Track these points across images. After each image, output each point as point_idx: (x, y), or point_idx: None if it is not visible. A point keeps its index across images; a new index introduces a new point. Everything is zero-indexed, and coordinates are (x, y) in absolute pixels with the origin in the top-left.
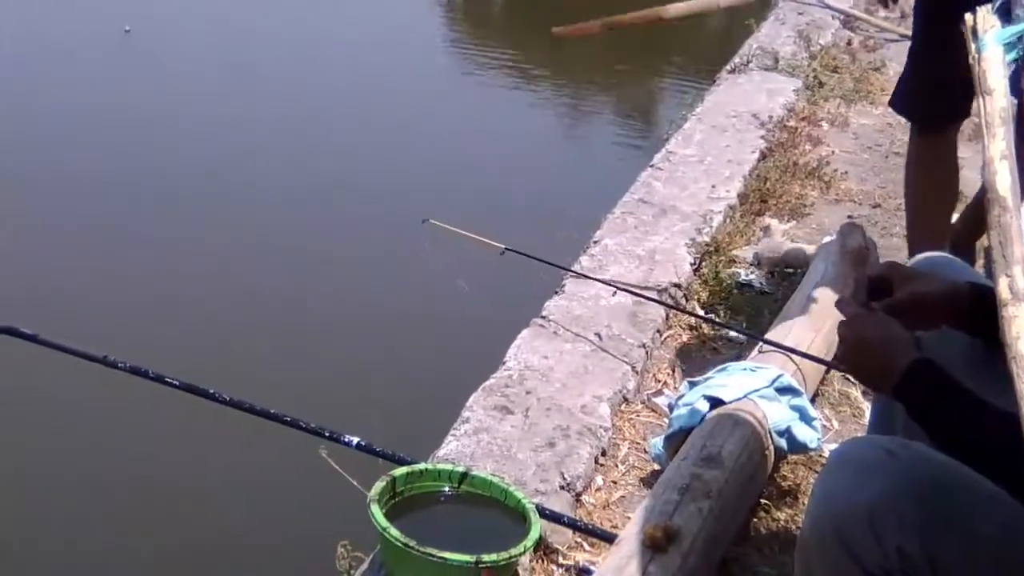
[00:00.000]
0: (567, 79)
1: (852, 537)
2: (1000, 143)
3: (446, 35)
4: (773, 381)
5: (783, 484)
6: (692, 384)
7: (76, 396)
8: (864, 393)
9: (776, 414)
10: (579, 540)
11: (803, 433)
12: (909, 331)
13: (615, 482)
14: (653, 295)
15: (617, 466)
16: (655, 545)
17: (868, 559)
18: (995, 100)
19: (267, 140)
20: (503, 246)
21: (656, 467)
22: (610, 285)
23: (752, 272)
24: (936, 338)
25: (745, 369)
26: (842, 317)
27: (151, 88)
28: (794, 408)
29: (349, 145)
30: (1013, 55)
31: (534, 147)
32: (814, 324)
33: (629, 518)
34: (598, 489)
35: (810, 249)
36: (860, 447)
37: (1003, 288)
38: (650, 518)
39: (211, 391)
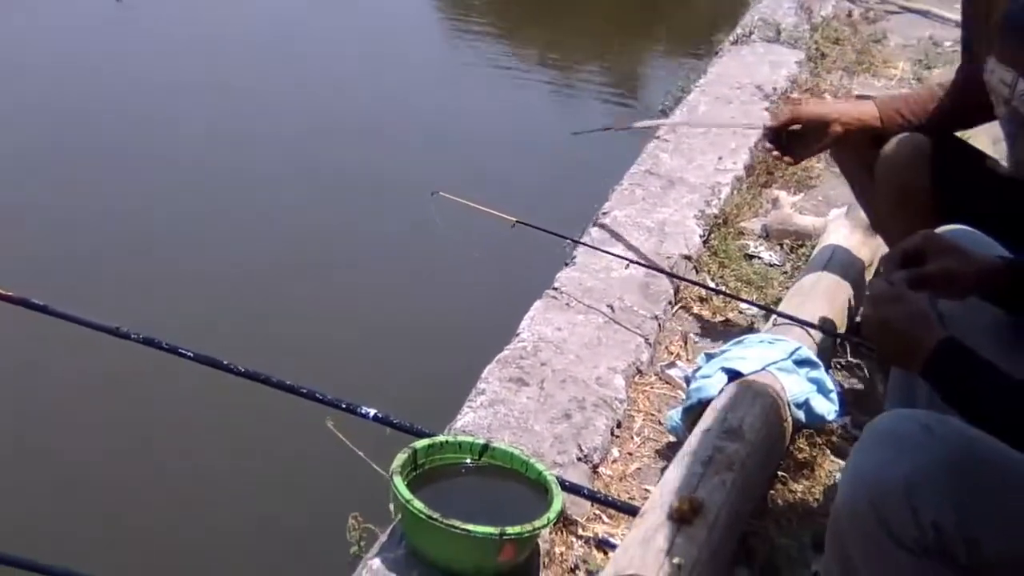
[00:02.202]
0: (560, 55)
1: (888, 511)
2: None
3: (434, 15)
4: (791, 353)
5: (799, 456)
6: (709, 356)
7: (89, 368)
8: (877, 365)
9: (794, 386)
10: (597, 512)
11: (821, 405)
12: (937, 299)
13: (631, 454)
14: (664, 267)
15: (632, 438)
16: (682, 517)
17: (904, 533)
18: None
19: (273, 114)
20: (514, 219)
21: (672, 439)
22: (622, 258)
23: (761, 244)
24: (962, 309)
25: (762, 341)
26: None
27: (146, 59)
28: (812, 380)
29: (356, 123)
30: None
31: (534, 123)
32: (828, 297)
33: (647, 490)
34: (614, 461)
35: (819, 222)
36: (896, 421)
37: None
38: (674, 490)
39: (225, 362)
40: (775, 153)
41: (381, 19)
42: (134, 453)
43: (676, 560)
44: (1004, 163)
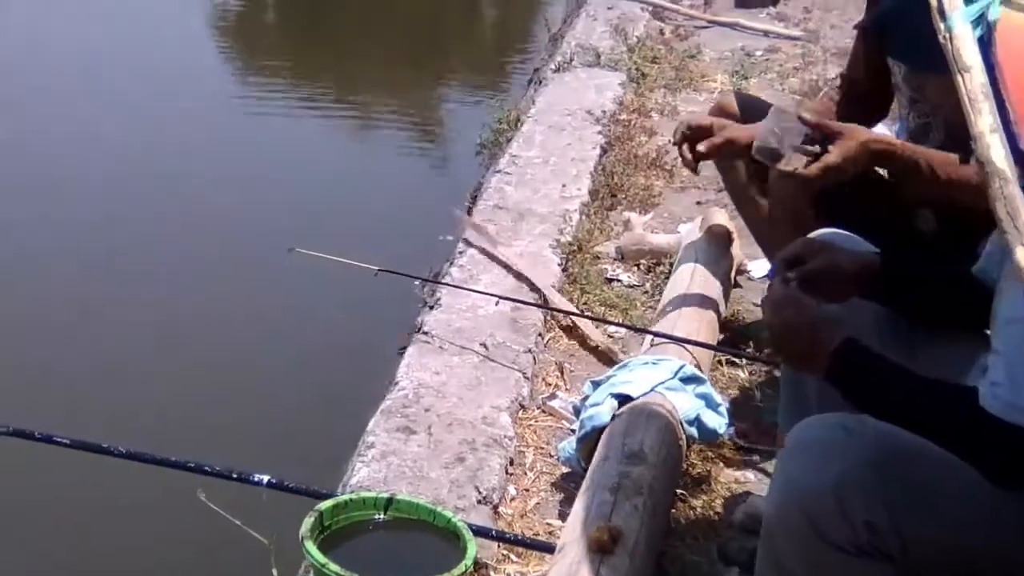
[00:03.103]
0: (365, 97)
1: (820, 516)
2: (987, 117)
3: (223, 60)
4: (676, 372)
5: (693, 472)
6: (596, 384)
7: None
8: (751, 375)
9: (684, 404)
10: (505, 552)
11: (711, 420)
12: (823, 303)
13: (527, 489)
14: (528, 299)
15: (526, 474)
16: (602, 548)
17: (838, 536)
18: (974, 76)
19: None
20: (376, 267)
21: (566, 470)
22: (490, 295)
23: (619, 267)
24: (844, 310)
25: (646, 363)
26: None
27: None
28: (699, 396)
29: (171, 189)
30: (979, 32)
31: (354, 164)
32: (697, 312)
33: (549, 524)
34: (512, 499)
35: (673, 239)
36: (815, 428)
37: (1021, 257)
38: (588, 521)
39: (105, 445)
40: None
41: (168, 64)
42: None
43: None
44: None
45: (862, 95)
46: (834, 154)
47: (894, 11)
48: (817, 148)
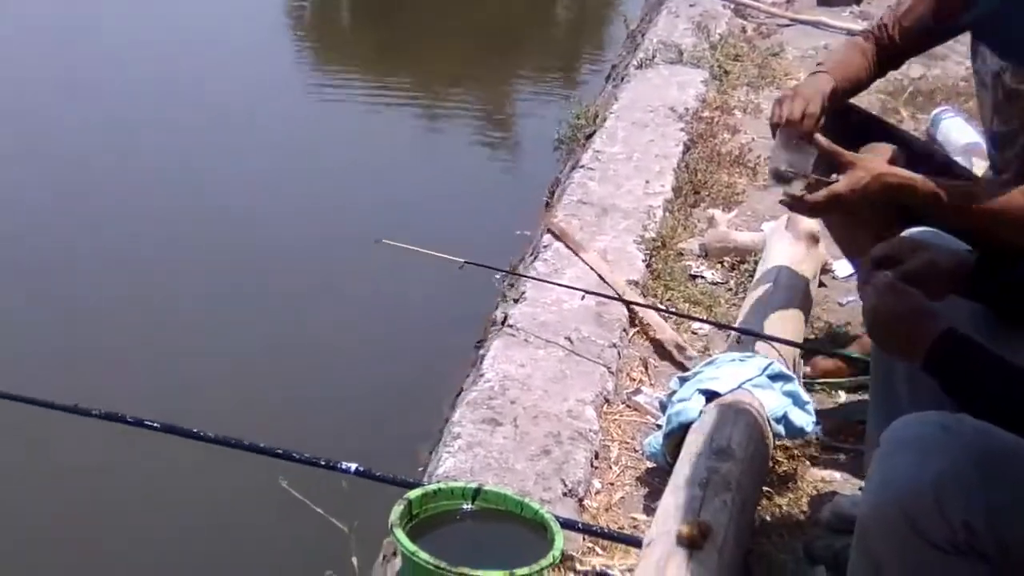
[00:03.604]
0: (441, 92)
1: (918, 515)
2: None
3: (301, 55)
4: (764, 369)
5: (779, 470)
6: (683, 380)
7: (46, 450)
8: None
9: (772, 401)
10: (590, 545)
11: (798, 418)
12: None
13: (612, 483)
14: (614, 295)
15: (611, 468)
16: (691, 543)
17: (935, 535)
18: None
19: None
20: (462, 260)
21: (650, 465)
22: (575, 290)
23: (702, 264)
24: (941, 307)
25: (734, 360)
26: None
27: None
28: (787, 394)
29: (264, 183)
30: None
31: (440, 164)
32: (783, 310)
33: (634, 518)
34: (597, 492)
35: (757, 236)
36: (913, 426)
37: None
38: (676, 516)
39: (195, 430)
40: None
41: (248, 59)
42: (112, 533)
43: None
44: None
45: (893, 53)
46: (842, 184)
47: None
48: (832, 176)
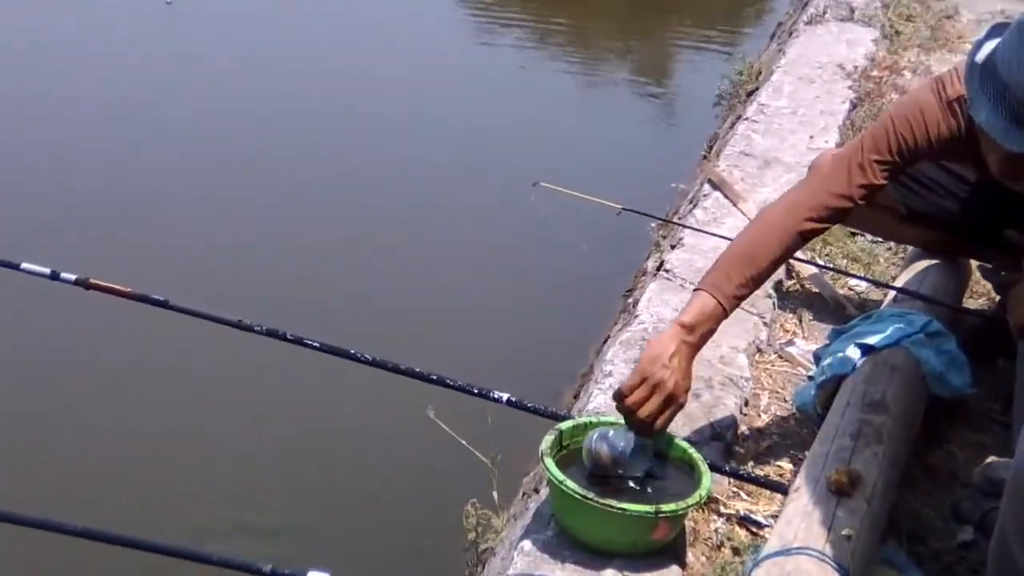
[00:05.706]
0: (599, 46)
1: None
2: None
3: (463, 12)
4: (924, 326)
5: (931, 428)
6: (838, 332)
7: (209, 361)
8: None
9: (929, 359)
10: (735, 489)
11: (955, 378)
12: None
13: (760, 431)
14: None
15: (760, 415)
16: (841, 490)
17: None
18: None
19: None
20: (620, 206)
21: (799, 416)
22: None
23: None
24: None
25: (893, 315)
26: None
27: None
28: (944, 352)
29: (427, 124)
30: None
31: (598, 115)
32: (944, 271)
33: (780, 466)
34: (745, 438)
35: None
36: None
37: None
38: (825, 465)
39: (352, 351)
40: None
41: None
42: (259, 445)
43: (845, 532)
44: None
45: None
46: None
47: None
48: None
